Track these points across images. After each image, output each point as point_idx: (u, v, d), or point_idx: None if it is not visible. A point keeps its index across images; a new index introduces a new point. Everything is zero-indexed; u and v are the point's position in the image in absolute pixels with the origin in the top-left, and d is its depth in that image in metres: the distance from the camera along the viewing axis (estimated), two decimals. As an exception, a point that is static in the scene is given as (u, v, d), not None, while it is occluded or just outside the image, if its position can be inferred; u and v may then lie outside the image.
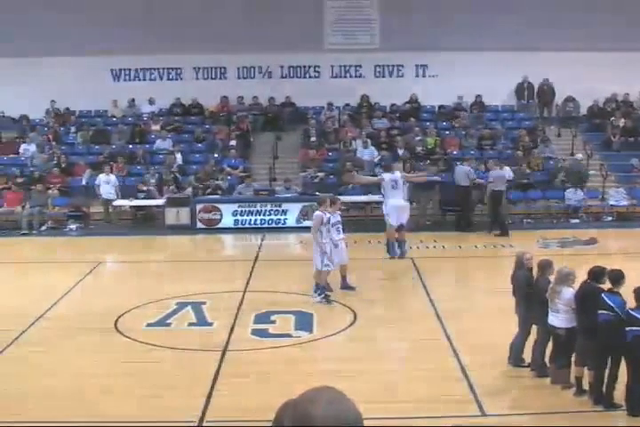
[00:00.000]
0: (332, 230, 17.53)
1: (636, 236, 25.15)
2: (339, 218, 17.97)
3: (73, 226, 26.88)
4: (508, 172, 26.36)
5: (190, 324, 15.69)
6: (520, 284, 12.74)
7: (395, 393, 11.74)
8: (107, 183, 27.91)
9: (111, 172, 28.33)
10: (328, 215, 17.33)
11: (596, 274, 11.46)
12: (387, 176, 21.07)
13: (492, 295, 16.41)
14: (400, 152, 29.73)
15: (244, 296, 17.57)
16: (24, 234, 26.06)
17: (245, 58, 33.71)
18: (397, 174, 21.17)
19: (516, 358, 12.77)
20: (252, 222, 26.55)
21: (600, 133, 32.41)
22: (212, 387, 12.07)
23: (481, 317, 15.43)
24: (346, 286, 18.08)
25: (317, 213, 17.64)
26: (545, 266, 12.38)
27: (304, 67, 34.70)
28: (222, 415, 11.01)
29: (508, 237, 24.24)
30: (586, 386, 11.42)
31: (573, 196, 27.47)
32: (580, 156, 29.25)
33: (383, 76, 34.71)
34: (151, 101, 34.25)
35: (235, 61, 34.14)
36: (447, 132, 32.34)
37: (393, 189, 20.80)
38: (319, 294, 17.12)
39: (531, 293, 12.48)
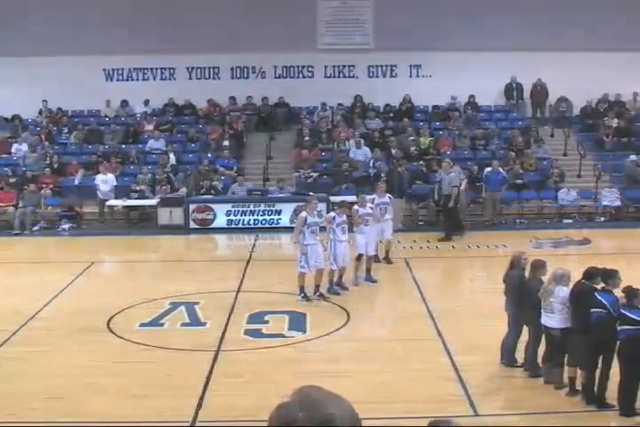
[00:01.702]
0: (338, 230, 17.62)
1: (629, 236, 25.19)
2: (344, 218, 18.06)
3: (65, 226, 26.86)
4: (459, 174, 26.26)
5: (183, 324, 15.70)
6: (513, 283, 12.76)
7: (387, 393, 11.75)
8: (104, 183, 27.90)
9: (107, 171, 28.35)
10: (313, 217, 17.43)
11: (591, 274, 11.49)
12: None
13: (485, 295, 16.43)
14: (393, 152, 29.75)
15: (237, 296, 17.58)
16: (16, 234, 26.04)
17: (239, 58, 33.67)
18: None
19: (508, 358, 12.80)
20: (246, 222, 26.52)
21: (593, 134, 32.43)
22: (205, 387, 12.08)
23: (474, 317, 15.45)
24: (340, 286, 18.10)
25: (301, 213, 17.67)
26: (538, 266, 12.40)
27: (298, 67, 34.67)
28: (215, 415, 11.02)
29: (450, 241, 24.12)
30: (579, 386, 11.44)
31: (566, 196, 27.52)
32: (633, 157, 29.20)
33: (377, 77, 34.69)
34: (146, 103, 34.22)
35: (228, 61, 34.10)
36: (440, 133, 32.34)
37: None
38: (299, 294, 17.22)
39: (523, 292, 12.50)
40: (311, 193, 26.15)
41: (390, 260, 20.73)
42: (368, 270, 18.95)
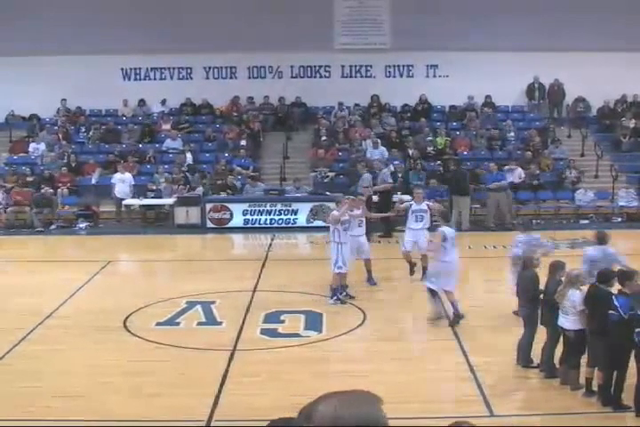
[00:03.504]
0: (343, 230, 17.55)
1: (646, 237, 25.10)
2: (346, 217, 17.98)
3: (82, 225, 26.96)
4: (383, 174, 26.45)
5: (199, 323, 15.72)
6: (525, 284, 12.76)
7: (403, 393, 11.71)
8: (122, 182, 27.99)
9: (125, 170, 28.47)
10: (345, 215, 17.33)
11: (605, 276, 11.45)
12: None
13: (501, 296, 16.38)
14: (410, 152, 29.76)
15: (253, 296, 17.60)
16: (39, 231, 26.21)
17: (256, 57, 33.75)
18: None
19: (524, 359, 12.77)
20: (262, 222, 26.56)
21: (610, 134, 32.35)
22: (221, 386, 12.09)
23: (490, 317, 15.42)
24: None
25: (334, 212, 17.56)
26: (557, 267, 12.37)
27: (314, 67, 34.71)
28: (231, 415, 11.01)
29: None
30: (595, 387, 11.41)
31: (583, 197, 27.48)
32: None
33: (394, 77, 34.70)
34: (163, 102, 34.32)
35: (245, 61, 34.20)
36: (457, 133, 32.33)
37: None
38: (332, 297, 17.09)
39: (536, 293, 12.51)
40: (328, 193, 26.24)
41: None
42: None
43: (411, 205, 19.37)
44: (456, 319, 15.25)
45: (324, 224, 21.87)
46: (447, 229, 15.88)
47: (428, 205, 19.40)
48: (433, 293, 15.49)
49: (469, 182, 27.28)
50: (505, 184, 26.98)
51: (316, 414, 3.14)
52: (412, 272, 19.10)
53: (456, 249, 15.96)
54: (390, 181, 26.05)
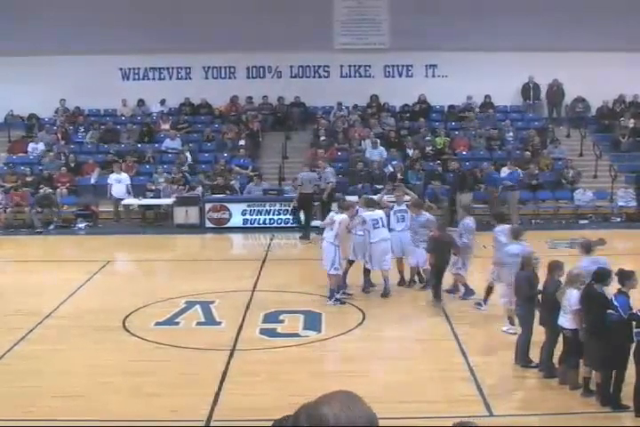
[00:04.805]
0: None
1: (645, 237, 25.10)
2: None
3: (81, 225, 26.94)
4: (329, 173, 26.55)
5: (199, 323, 15.73)
6: (521, 284, 12.77)
7: (402, 393, 11.74)
8: (118, 182, 27.98)
9: (121, 170, 28.45)
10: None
11: (600, 275, 11.45)
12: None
13: (500, 296, 16.38)
14: (410, 152, 29.78)
15: (252, 296, 17.61)
16: (38, 232, 26.19)
17: (255, 57, 33.71)
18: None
19: (522, 358, 12.79)
20: (261, 222, 26.57)
21: (609, 134, 32.35)
22: (220, 386, 12.11)
23: (489, 317, 15.44)
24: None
25: (343, 216, 17.28)
26: (555, 267, 12.38)
27: (314, 66, 34.68)
28: (230, 415, 11.03)
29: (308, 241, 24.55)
30: (593, 386, 11.42)
31: (582, 197, 27.49)
32: None
33: (393, 77, 34.67)
34: (162, 102, 34.29)
35: (244, 61, 34.16)
36: (456, 133, 32.32)
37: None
38: (330, 298, 17.07)
39: (532, 293, 12.53)
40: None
41: (412, 281, 18.92)
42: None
43: (393, 205, 19.17)
44: (386, 293, 17.55)
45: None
46: (365, 214, 17.44)
47: (407, 205, 19.26)
48: (366, 271, 17.88)
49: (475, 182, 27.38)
50: (514, 184, 27.01)
51: (327, 415, 3.16)
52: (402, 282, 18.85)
53: (384, 229, 17.63)
54: (333, 180, 26.05)
